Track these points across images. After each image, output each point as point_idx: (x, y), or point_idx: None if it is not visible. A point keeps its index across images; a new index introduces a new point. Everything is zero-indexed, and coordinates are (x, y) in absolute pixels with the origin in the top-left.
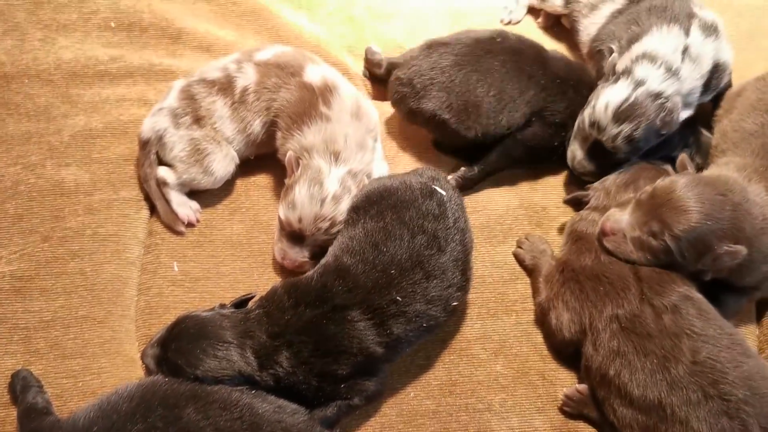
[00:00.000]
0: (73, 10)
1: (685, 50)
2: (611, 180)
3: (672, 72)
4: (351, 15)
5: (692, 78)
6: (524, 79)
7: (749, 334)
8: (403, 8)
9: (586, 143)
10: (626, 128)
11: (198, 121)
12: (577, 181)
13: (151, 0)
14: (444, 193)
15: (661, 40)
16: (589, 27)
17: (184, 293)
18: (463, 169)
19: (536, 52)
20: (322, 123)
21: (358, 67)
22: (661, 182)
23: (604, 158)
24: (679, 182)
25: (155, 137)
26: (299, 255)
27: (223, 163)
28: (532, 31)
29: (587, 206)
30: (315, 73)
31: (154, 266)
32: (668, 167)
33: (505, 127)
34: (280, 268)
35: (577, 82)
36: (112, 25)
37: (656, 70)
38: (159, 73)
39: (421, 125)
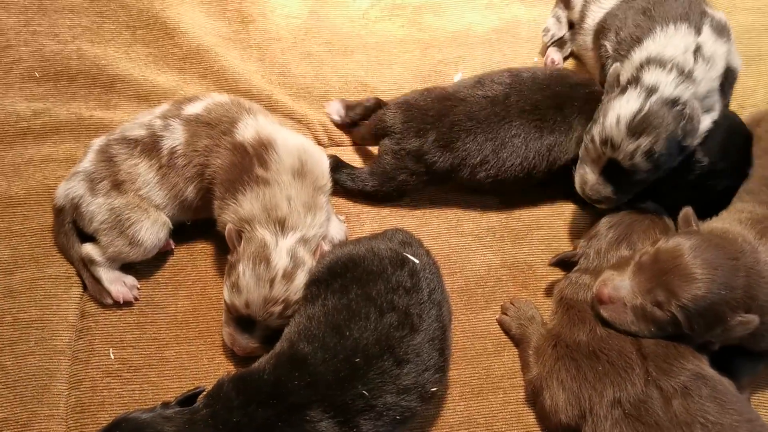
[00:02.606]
0: None
1: (697, 50)
2: (601, 236)
3: (685, 74)
4: (308, 51)
5: (708, 78)
6: (546, 134)
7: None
8: (366, 42)
9: (598, 165)
10: (644, 142)
11: (117, 186)
12: (573, 226)
13: (80, 44)
14: (417, 261)
15: (667, 41)
16: (596, 12)
17: (122, 385)
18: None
19: (553, 93)
20: (258, 188)
21: (317, 111)
22: (664, 244)
23: (621, 180)
24: (686, 245)
25: (70, 205)
26: (249, 341)
27: (152, 230)
28: None
29: (576, 268)
30: (248, 130)
31: (86, 354)
32: (663, 215)
33: (542, 176)
34: (233, 351)
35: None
36: (37, 75)
37: (667, 74)
38: (89, 127)
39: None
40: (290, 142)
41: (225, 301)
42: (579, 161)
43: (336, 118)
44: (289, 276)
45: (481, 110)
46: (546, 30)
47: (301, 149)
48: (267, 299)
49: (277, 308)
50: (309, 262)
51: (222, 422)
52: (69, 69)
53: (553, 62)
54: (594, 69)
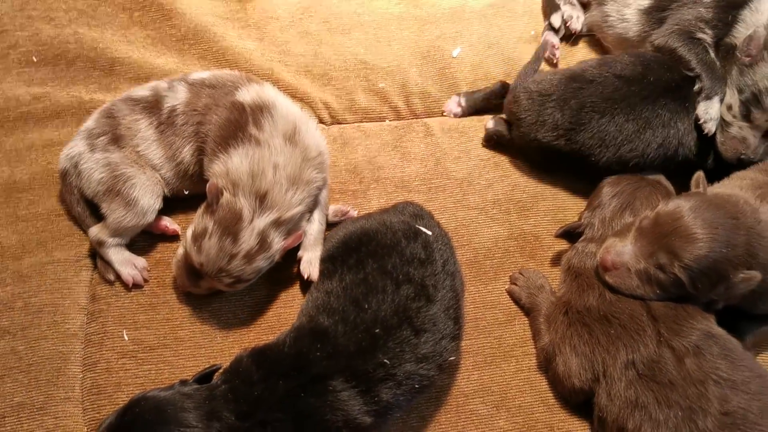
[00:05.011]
0: None
1: None
2: (605, 205)
3: None
4: (306, 30)
5: None
6: (692, 111)
7: None
8: (364, 20)
9: (762, 128)
10: None
11: (116, 140)
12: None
13: (77, 28)
14: (429, 233)
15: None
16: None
17: (137, 366)
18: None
19: (682, 73)
20: (250, 146)
21: (318, 89)
22: (664, 207)
23: None
24: (685, 207)
25: (71, 166)
26: (193, 286)
27: (147, 186)
28: None
29: (581, 238)
30: (250, 93)
31: (99, 337)
32: (661, 178)
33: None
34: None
35: None
36: (34, 59)
37: None
38: (91, 110)
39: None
40: (290, 109)
41: (184, 244)
42: (727, 127)
43: (457, 110)
44: (250, 258)
45: (615, 90)
46: (569, 17)
47: (300, 118)
48: (222, 270)
49: (228, 280)
50: (276, 246)
51: (242, 396)
52: (67, 53)
53: (553, 46)
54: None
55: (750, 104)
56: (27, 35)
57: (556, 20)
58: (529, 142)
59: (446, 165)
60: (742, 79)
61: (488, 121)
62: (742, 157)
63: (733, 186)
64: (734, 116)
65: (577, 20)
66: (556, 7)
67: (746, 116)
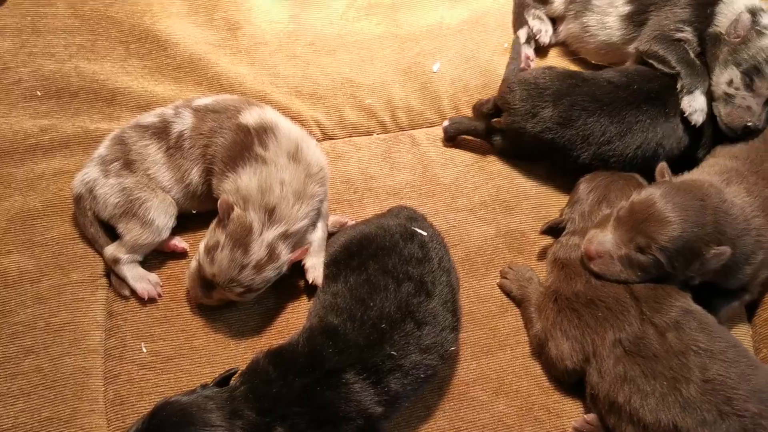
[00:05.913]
0: None
1: None
2: (583, 200)
3: None
4: (293, 53)
5: None
6: (671, 117)
7: (743, 335)
8: (347, 41)
9: (762, 98)
10: None
11: (128, 165)
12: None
13: (77, 62)
14: (425, 233)
15: None
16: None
17: (157, 376)
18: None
19: (664, 82)
20: (257, 164)
21: (309, 108)
22: (637, 196)
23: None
24: (656, 194)
25: (86, 191)
26: (204, 298)
27: (161, 208)
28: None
29: (564, 232)
30: (252, 115)
31: (119, 351)
32: (635, 174)
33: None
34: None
35: None
36: (38, 93)
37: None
38: (97, 139)
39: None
40: (292, 129)
41: (197, 258)
42: (731, 99)
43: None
44: (259, 268)
45: (605, 93)
46: (538, 31)
47: (301, 137)
48: (233, 280)
49: (238, 289)
50: (284, 258)
51: (262, 394)
52: (70, 86)
53: (528, 58)
54: (604, 61)
55: (752, 74)
56: (29, 71)
57: (522, 35)
58: (517, 131)
59: (434, 172)
60: (738, 55)
61: (444, 122)
62: (748, 124)
63: (701, 173)
64: (737, 88)
65: (546, 34)
66: (523, 23)
67: (749, 86)
